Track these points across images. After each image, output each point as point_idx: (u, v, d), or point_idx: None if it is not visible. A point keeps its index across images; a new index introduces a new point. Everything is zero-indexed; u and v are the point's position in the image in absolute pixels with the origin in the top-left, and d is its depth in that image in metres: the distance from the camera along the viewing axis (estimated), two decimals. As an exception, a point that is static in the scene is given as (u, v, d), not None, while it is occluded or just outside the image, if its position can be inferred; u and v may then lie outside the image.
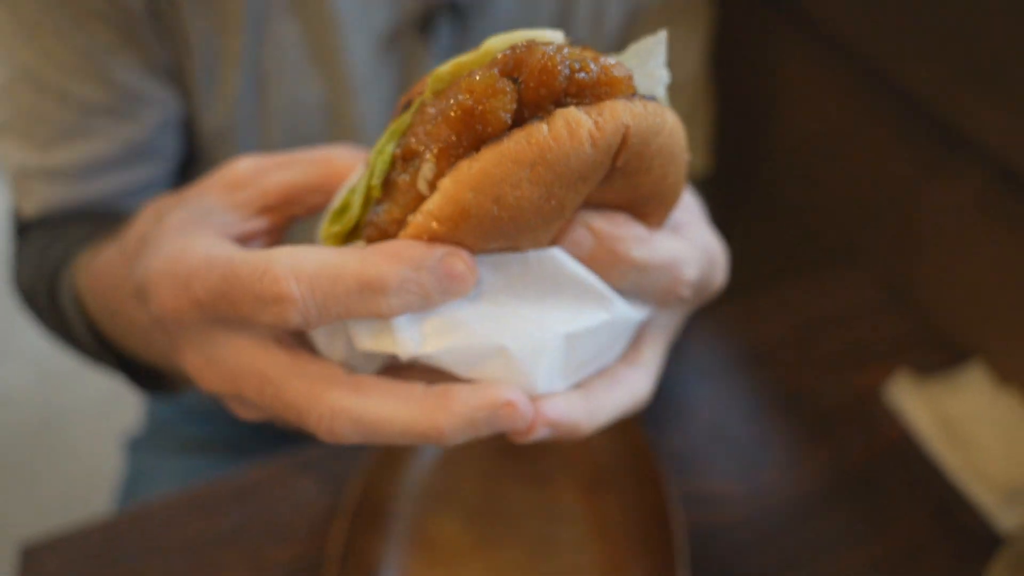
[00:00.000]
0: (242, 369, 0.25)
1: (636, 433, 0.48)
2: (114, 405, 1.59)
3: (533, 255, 0.25)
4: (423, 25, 0.52)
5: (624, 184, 0.24)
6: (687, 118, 0.59)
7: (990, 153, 0.50)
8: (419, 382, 0.25)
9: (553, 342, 0.25)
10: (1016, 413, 0.54)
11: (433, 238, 0.23)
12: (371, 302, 0.23)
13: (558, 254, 0.25)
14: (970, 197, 0.55)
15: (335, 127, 0.55)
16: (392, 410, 0.24)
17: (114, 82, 0.50)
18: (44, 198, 0.54)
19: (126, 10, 0.48)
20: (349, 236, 0.27)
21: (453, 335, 0.24)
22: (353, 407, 0.24)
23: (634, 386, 0.29)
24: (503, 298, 0.25)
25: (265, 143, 0.55)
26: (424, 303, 0.23)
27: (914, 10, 0.51)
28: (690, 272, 0.28)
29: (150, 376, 0.50)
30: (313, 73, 0.52)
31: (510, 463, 0.51)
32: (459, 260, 0.23)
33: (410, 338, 0.24)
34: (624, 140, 0.21)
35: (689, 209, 0.31)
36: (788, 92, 0.67)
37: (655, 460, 0.46)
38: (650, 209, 0.26)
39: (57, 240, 0.51)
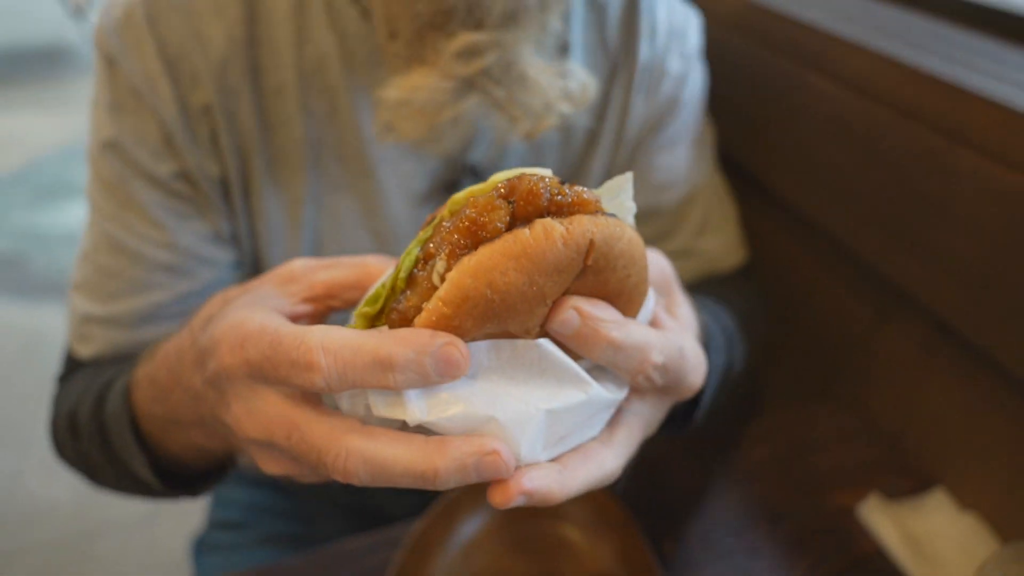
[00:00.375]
0: (276, 417, 0.31)
1: (639, 544, 0.55)
2: (153, 519, 1.62)
3: (522, 343, 0.30)
4: (450, 186, 0.62)
5: (595, 280, 0.30)
6: (718, 217, 0.71)
7: (925, 307, 0.61)
8: (421, 435, 0.29)
9: (536, 416, 0.29)
10: (976, 533, 0.60)
11: (441, 318, 0.27)
12: (381, 376, 0.27)
13: (544, 343, 0.30)
14: (917, 342, 0.65)
15: None
16: (397, 452, 0.28)
17: (182, 246, 0.58)
18: (102, 343, 0.60)
19: (205, 193, 0.57)
20: (376, 319, 0.32)
21: (453, 407, 0.29)
22: (365, 448, 0.28)
23: (604, 463, 0.33)
24: (495, 378, 0.30)
25: None
26: (424, 381, 0.28)
27: (855, 187, 0.64)
28: (656, 357, 0.33)
29: (169, 476, 0.52)
30: (362, 232, 0.62)
31: (523, 561, 0.57)
32: (455, 349, 0.27)
33: (417, 408, 0.28)
34: (591, 243, 0.28)
35: (681, 319, 0.39)
36: (764, 252, 0.80)
37: (656, 568, 0.53)
38: (620, 305, 0.32)
39: (109, 369, 0.56)
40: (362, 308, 0.32)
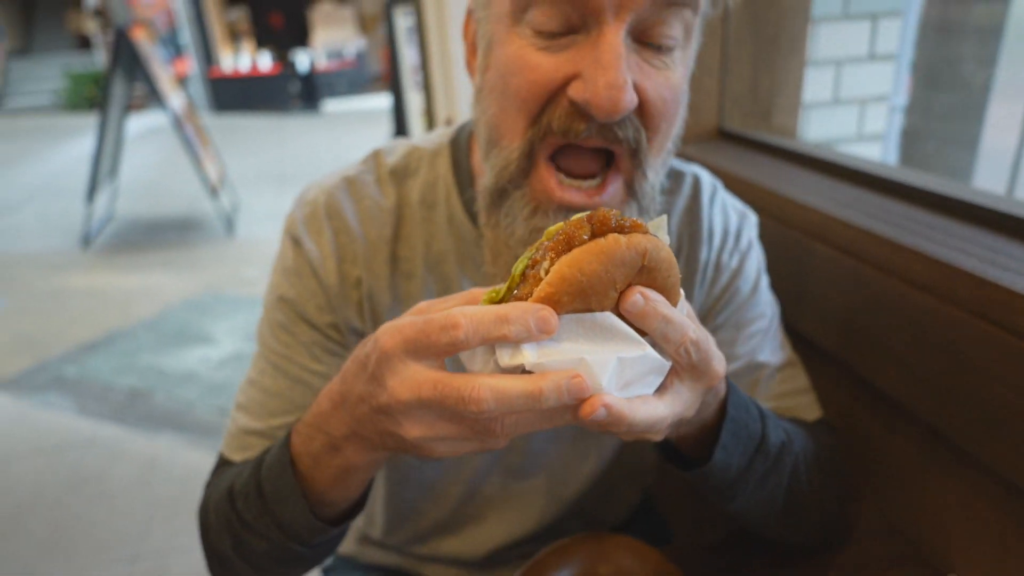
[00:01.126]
0: (424, 379, 0.41)
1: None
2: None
3: (600, 315, 0.41)
4: None
5: (648, 278, 0.42)
6: (790, 387, 0.77)
7: (923, 419, 0.77)
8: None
9: (611, 360, 0.41)
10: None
11: (547, 295, 0.39)
12: (501, 328, 0.38)
13: (610, 316, 0.42)
14: (917, 448, 0.80)
15: None
16: (514, 382, 0.39)
17: (331, 376, 0.69)
18: (255, 452, 0.69)
19: (350, 340, 0.71)
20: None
21: (555, 354, 0.40)
22: (492, 382, 0.39)
23: (657, 410, 0.43)
24: (582, 340, 0.41)
25: None
26: (529, 335, 0.38)
27: (858, 319, 0.82)
28: (692, 334, 0.44)
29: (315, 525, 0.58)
30: None
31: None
32: (549, 313, 0.38)
33: (531, 354, 0.40)
34: (645, 249, 0.41)
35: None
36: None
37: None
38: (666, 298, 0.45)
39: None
40: (487, 296, 0.44)
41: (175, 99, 5.10)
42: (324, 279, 0.70)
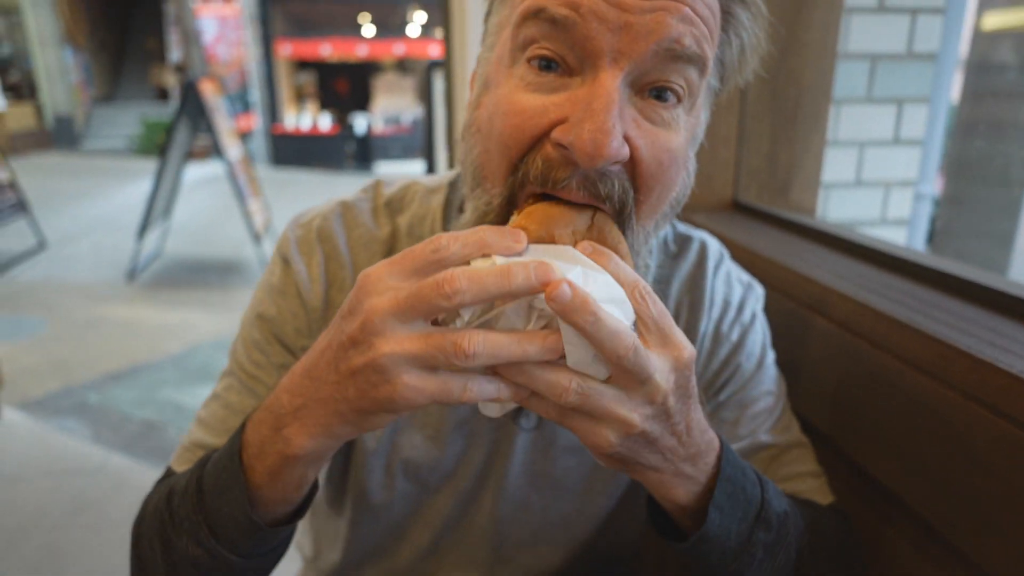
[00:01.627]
0: (417, 336, 0.43)
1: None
2: None
3: (563, 246, 0.48)
4: (515, 415, 0.73)
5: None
6: (799, 468, 0.73)
7: (916, 513, 0.71)
8: None
9: (576, 268, 0.44)
10: None
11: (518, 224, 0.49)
12: (482, 247, 0.45)
13: (567, 247, 0.47)
14: (910, 541, 0.73)
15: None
16: (487, 267, 0.42)
17: None
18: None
19: None
20: None
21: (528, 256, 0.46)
22: (467, 268, 0.43)
23: (620, 324, 0.43)
24: (547, 256, 0.45)
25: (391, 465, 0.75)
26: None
27: (843, 394, 0.77)
28: (644, 284, 0.46)
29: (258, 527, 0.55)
30: (433, 447, 0.73)
31: None
32: (520, 232, 0.46)
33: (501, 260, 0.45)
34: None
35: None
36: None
37: None
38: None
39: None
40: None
41: (232, 150, 5.36)
42: (308, 301, 0.70)
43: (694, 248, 0.77)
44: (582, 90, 0.50)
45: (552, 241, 0.46)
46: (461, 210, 0.71)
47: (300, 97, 14.70)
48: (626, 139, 0.50)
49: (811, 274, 0.89)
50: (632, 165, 0.52)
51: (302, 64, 14.64)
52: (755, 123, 1.31)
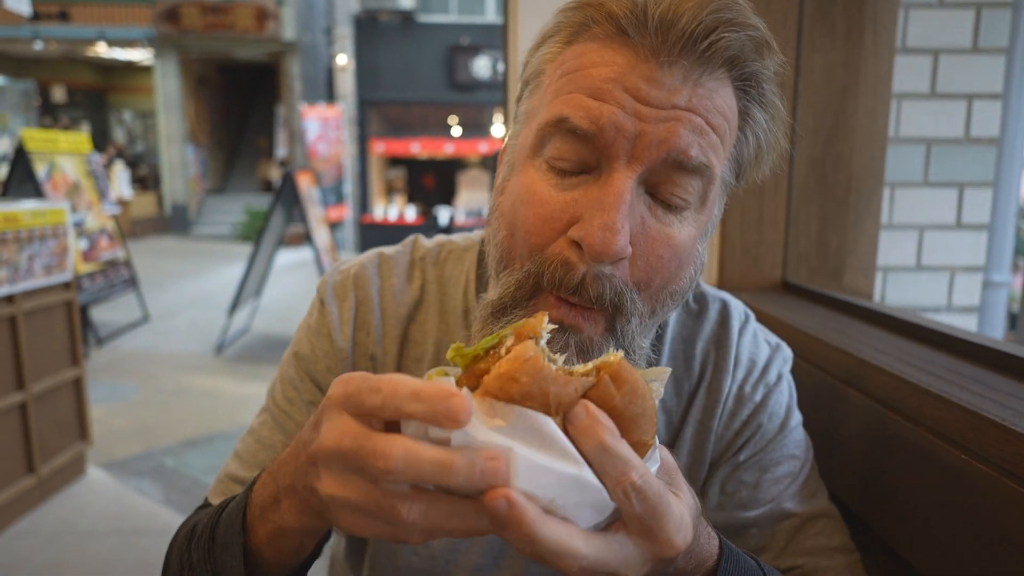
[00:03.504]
0: (349, 431, 0.39)
1: None
2: None
3: (545, 418, 0.38)
4: None
5: (604, 394, 0.40)
6: (823, 543, 0.68)
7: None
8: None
9: (538, 462, 0.37)
10: None
11: (503, 371, 0.39)
12: (411, 405, 0.37)
13: (555, 426, 0.38)
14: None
15: None
16: (428, 449, 0.37)
17: None
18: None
19: None
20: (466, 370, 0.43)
21: (486, 436, 0.37)
22: (407, 443, 0.37)
23: (575, 540, 0.38)
24: (519, 435, 0.38)
25: None
26: (435, 419, 0.36)
27: (869, 467, 0.73)
28: (636, 477, 0.39)
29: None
30: None
31: None
32: (461, 403, 0.36)
33: (459, 432, 0.37)
34: (606, 363, 0.41)
35: (678, 489, 0.44)
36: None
37: None
38: (621, 423, 0.41)
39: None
40: (451, 352, 0.43)
41: (320, 236, 5.74)
42: (337, 342, 0.73)
43: (715, 308, 0.76)
44: (596, 188, 0.53)
45: (545, 399, 0.39)
46: (485, 286, 0.73)
47: (390, 190, 15.63)
48: (631, 239, 0.53)
49: (846, 347, 0.86)
50: (632, 263, 0.54)
51: (394, 160, 15.68)
52: (803, 206, 1.32)
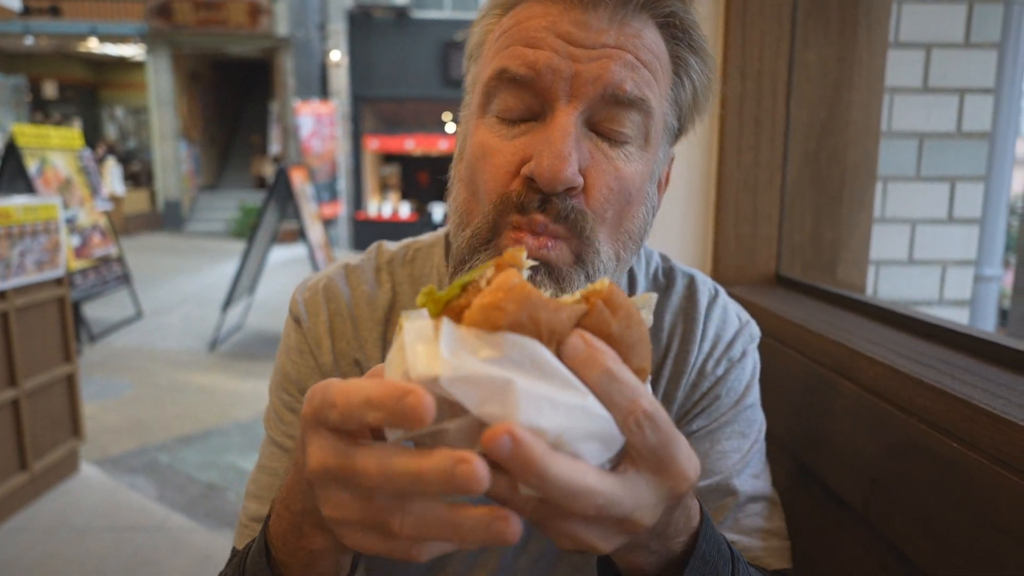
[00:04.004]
0: (332, 446, 0.37)
1: None
2: None
3: (540, 346, 0.34)
4: None
5: (599, 320, 0.37)
6: (761, 522, 0.68)
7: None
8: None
9: (542, 396, 0.33)
10: None
11: (488, 302, 0.35)
12: (368, 413, 0.34)
13: (543, 348, 0.34)
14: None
15: None
16: (400, 456, 0.34)
17: None
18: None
19: None
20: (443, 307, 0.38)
21: (478, 368, 0.33)
22: (380, 453, 0.35)
23: (585, 476, 0.34)
24: (513, 365, 0.34)
25: None
26: (398, 421, 0.33)
27: (878, 468, 0.73)
28: (647, 404, 0.36)
29: None
30: None
31: None
32: (418, 399, 0.32)
33: (448, 368, 0.33)
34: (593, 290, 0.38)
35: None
36: (814, 543, 0.85)
37: None
38: (619, 350, 0.37)
39: None
40: (421, 297, 0.39)
41: (314, 232, 5.73)
42: (319, 358, 0.73)
43: (682, 281, 0.77)
44: (543, 129, 0.57)
45: (536, 327, 0.35)
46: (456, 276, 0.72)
47: (384, 187, 15.60)
48: (581, 171, 0.56)
49: (839, 338, 0.87)
50: (586, 192, 0.57)
51: (387, 157, 15.65)
52: (798, 200, 1.32)
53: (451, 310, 0.37)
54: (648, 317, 0.41)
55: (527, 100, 0.57)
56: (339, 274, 0.77)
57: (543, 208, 0.56)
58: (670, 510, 0.44)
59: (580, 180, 0.56)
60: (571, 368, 0.35)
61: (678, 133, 0.66)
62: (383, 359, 0.73)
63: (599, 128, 0.58)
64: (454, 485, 0.32)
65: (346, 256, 0.81)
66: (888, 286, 1.39)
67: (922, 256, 1.38)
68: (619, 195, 0.58)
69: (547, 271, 0.57)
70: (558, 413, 0.34)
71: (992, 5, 1.34)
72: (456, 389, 0.33)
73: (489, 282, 0.37)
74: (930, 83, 1.35)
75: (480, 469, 0.32)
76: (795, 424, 0.94)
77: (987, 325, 1.48)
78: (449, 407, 0.35)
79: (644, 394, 0.36)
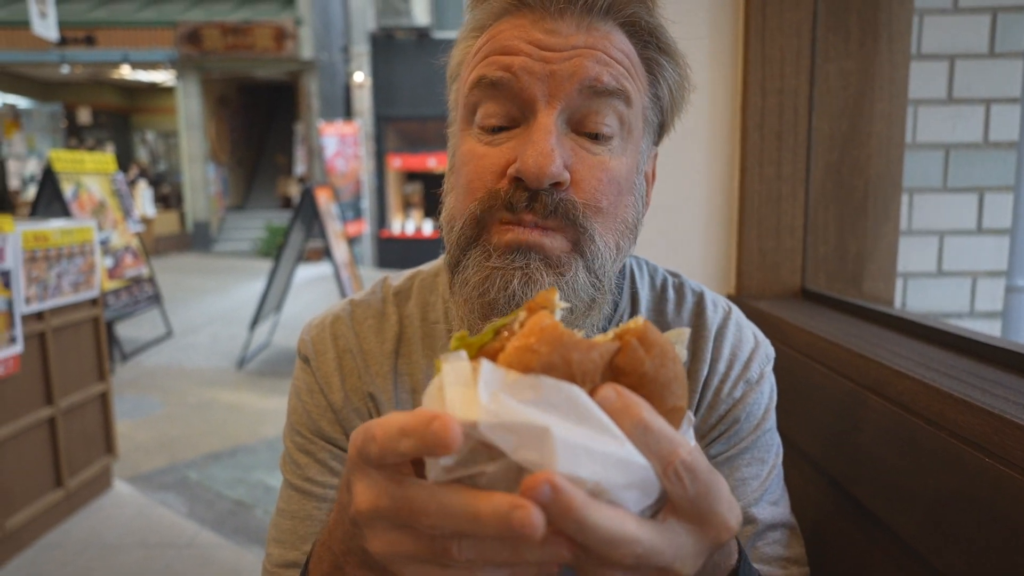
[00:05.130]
0: (382, 486, 0.37)
1: None
2: None
3: (577, 389, 0.34)
4: None
5: (632, 358, 0.37)
6: (779, 548, 0.68)
7: None
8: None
9: (579, 444, 0.33)
10: None
11: (520, 345, 0.35)
12: (401, 443, 0.34)
13: (579, 391, 0.34)
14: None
15: None
16: (459, 498, 0.34)
17: None
18: None
19: None
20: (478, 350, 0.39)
21: (518, 415, 0.33)
22: (441, 495, 0.35)
23: (625, 525, 0.34)
24: (551, 409, 0.34)
25: None
26: (427, 449, 0.33)
27: (907, 481, 0.72)
28: (684, 454, 0.35)
29: None
30: None
31: None
32: (443, 425, 0.32)
33: (485, 413, 0.33)
34: (627, 329, 0.37)
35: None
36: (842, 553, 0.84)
37: None
38: (655, 387, 0.37)
39: None
40: (455, 342, 0.40)
41: (339, 250, 5.80)
42: (330, 396, 0.73)
43: (691, 298, 0.76)
44: (526, 132, 0.59)
45: (569, 368, 0.35)
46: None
47: (407, 205, 15.76)
48: (567, 168, 0.57)
49: (868, 353, 0.86)
50: (575, 186, 0.58)
51: (410, 175, 15.82)
52: (821, 212, 1.32)
53: (485, 354, 0.38)
54: (682, 352, 0.41)
55: (507, 106, 0.59)
56: (345, 310, 0.77)
57: (531, 206, 0.57)
58: (710, 555, 0.43)
59: (566, 175, 0.57)
60: (608, 415, 0.35)
61: (660, 130, 0.68)
62: (394, 392, 0.73)
63: (581, 127, 0.59)
64: (511, 530, 0.32)
65: (364, 284, 0.82)
66: (917, 298, 1.37)
67: (952, 268, 1.37)
68: (609, 186, 0.60)
69: (542, 259, 0.57)
70: (595, 461, 0.34)
71: (1016, 14, 1.33)
72: (494, 435, 0.33)
73: (522, 325, 0.37)
74: (955, 94, 1.34)
75: (536, 516, 0.32)
76: (825, 440, 0.93)
77: (1020, 337, 1.45)
78: (488, 450, 0.35)
79: (682, 444, 0.36)
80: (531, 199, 0.57)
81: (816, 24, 1.26)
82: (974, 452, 0.64)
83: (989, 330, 1.37)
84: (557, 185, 0.57)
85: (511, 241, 0.58)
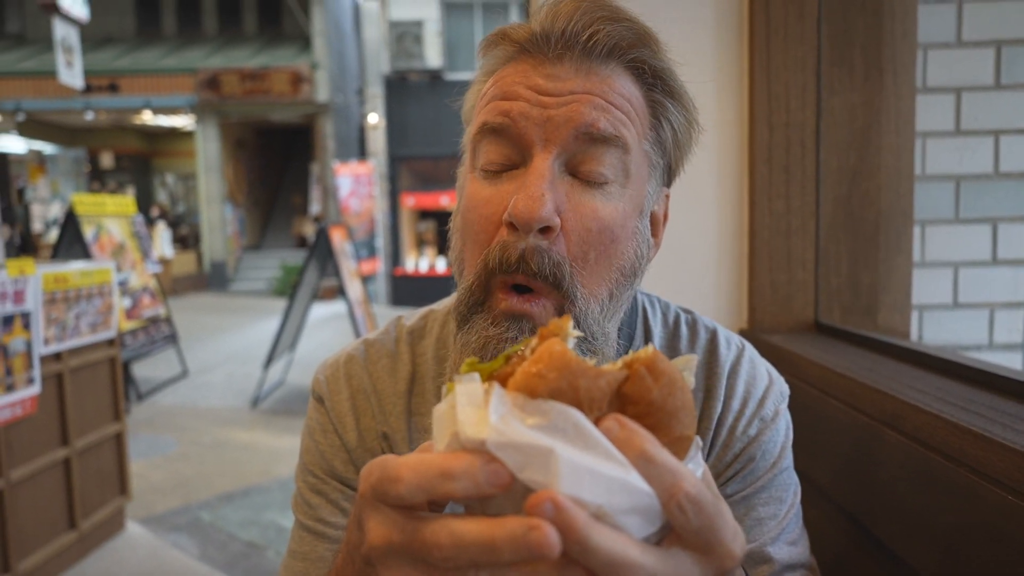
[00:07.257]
0: (394, 521, 0.37)
1: None
2: None
3: (583, 417, 0.35)
4: None
5: (640, 387, 0.37)
6: None
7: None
8: None
9: (583, 468, 0.33)
10: None
11: (529, 372, 0.36)
12: (446, 485, 0.34)
13: (585, 418, 0.35)
14: None
15: None
16: (472, 527, 0.34)
17: None
18: None
19: None
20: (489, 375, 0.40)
21: (523, 436, 0.34)
22: (453, 526, 0.35)
23: (629, 551, 0.34)
24: (557, 433, 0.35)
25: None
26: (478, 490, 0.34)
27: (917, 511, 0.70)
28: (688, 487, 0.35)
29: None
30: None
31: None
32: (500, 466, 0.33)
33: (494, 433, 0.34)
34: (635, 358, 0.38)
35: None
36: None
37: None
38: (662, 416, 0.37)
39: None
40: (465, 366, 0.41)
41: (353, 289, 5.84)
42: (344, 436, 0.73)
43: (704, 336, 0.76)
44: (522, 174, 0.60)
45: (576, 395, 0.36)
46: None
47: (420, 243, 15.89)
48: (558, 213, 0.58)
49: (883, 387, 0.85)
50: (564, 235, 0.59)
51: (424, 213, 16.00)
52: (832, 244, 1.31)
53: (496, 379, 0.39)
54: (690, 379, 0.41)
55: (506, 151, 0.61)
56: (359, 350, 0.78)
57: (522, 268, 0.58)
58: None
59: (556, 220, 0.57)
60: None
61: (669, 172, 0.68)
62: (408, 431, 0.74)
63: (578, 171, 0.60)
64: (528, 551, 0.32)
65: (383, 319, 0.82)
66: (934, 331, 1.35)
67: (968, 299, 1.35)
68: (599, 235, 0.59)
69: (531, 328, 0.59)
70: (599, 485, 0.34)
71: (1021, 47, 1.34)
72: (501, 453, 0.34)
73: (533, 351, 0.38)
74: (963, 126, 1.34)
75: (552, 534, 0.32)
76: (842, 476, 0.91)
77: (1043, 369, 1.42)
78: None
79: (686, 476, 0.36)
80: (520, 260, 0.57)
81: (820, 59, 1.28)
82: (994, 488, 0.63)
83: (1009, 362, 1.35)
84: (547, 231, 0.58)
85: (506, 310, 0.60)
